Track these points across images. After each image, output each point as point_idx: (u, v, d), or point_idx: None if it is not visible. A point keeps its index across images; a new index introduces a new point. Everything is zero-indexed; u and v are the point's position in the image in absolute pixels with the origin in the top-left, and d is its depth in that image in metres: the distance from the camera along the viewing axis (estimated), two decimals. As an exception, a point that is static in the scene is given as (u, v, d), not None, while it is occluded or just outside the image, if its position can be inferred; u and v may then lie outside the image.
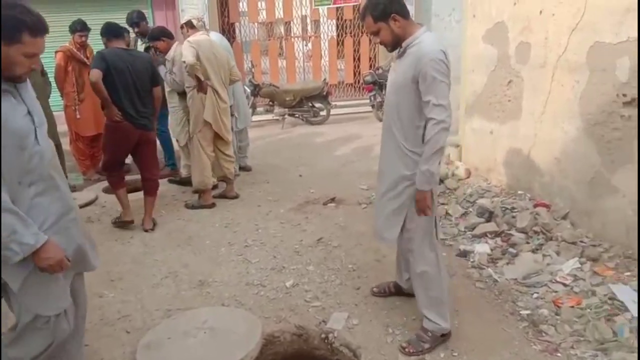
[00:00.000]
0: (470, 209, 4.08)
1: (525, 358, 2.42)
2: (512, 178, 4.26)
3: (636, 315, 2.50)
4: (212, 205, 4.80)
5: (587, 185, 3.39)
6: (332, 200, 4.83)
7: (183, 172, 5.55)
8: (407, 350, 2.50)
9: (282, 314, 2.91)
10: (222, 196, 5.01)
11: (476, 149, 4.79)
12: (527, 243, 3.44)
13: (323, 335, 2.76)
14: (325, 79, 9.16)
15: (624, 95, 3.00)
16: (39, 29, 1.69)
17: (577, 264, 3.09)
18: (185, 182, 5.43)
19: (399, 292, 2.99)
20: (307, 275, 3.36)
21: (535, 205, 3.81)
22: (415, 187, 2.38)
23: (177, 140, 5.25)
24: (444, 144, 2.29)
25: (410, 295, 2.96)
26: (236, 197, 5.05)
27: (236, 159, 5.85)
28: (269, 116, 9.11)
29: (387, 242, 2.68)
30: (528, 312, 2.75)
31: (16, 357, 1.87)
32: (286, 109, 8.80)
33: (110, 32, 4.11)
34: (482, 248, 3.50)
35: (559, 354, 2.41)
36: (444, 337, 2.55)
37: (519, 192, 4.09)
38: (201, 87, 4.47)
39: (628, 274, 2.92)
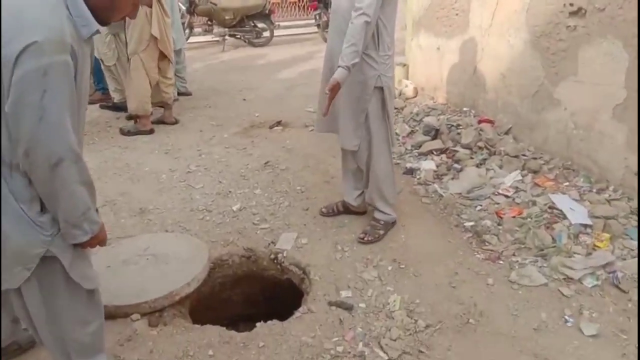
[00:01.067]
0: (417, 128, 4.06)
1: (469, 266, 2.49)
2: (457, 96, 4.24)
3: (575, 221, 2.61)
4: (151, 131, 4.52)
5: (530, 99, 3.41)
6: (278, 123, 4.67)
7: (115, 97, 5.14)
8: (365, 239, 2.70)
9: (230, 238, 2.84)
10: (160, 122, 4.72)
11: (423, 67, 4.70)
12: (472, 158, 3.48)
13: (272, 256, 2.72)
14: (267, -4, 8.62)
15: (571, 4, 2.95)
16: None
17: (518, 177, 3.17)
18: (119, 107, 5.06)
19: (347, 210, 2.97)
20: (255, 199, 3.27)
21: (480, 122, 3.83)
22: (371, 91, 2.43)
23: (101, 60, 4.78)
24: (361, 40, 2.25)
25: (358, 213, 2.97)
26: (176, 122, 4.78)
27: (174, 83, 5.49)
28: (208, 37, 8.57)
29: (351, 148, 2.66)
30: (472, 223, 2.82)
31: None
32: (226, 29, 8.28)
33: None
34: (428, 165, 3.52)
35: (501, 262, 2.50)
36: (394, 224, 2.81)
37: (464, 109, 4.10)
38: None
39: (567, 184, 3.03)
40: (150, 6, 4.08)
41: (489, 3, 3.68)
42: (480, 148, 3.55)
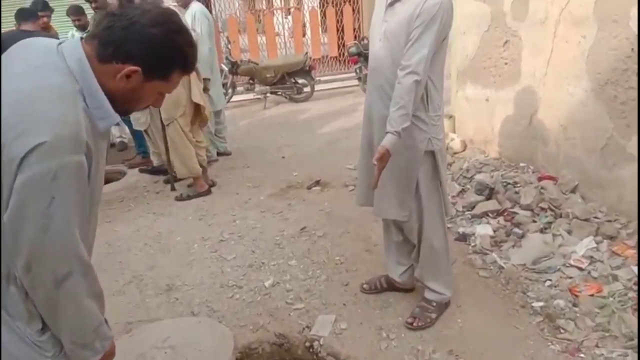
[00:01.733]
0: (468, 186, 3.69)
1: (542, 361, 2.07)
2: (512, 149, 3.87)
3: (669, 303, 2.15)
4: (208, 192, 4.41)
5: (598, 153, 3.01)
6: (317, 183, 4.43)
7: (154, 160, 5.10)
8: (415, 324, 2.36)
9: (260, 321, 2.54)
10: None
11: (471, 119, 4.38)
12: (534, 222, 3.06)
13: (307, 344, 2.40)
14: (307, 53, 8.65)
15: (641, 48, 2.60)
16: (192, 64, 1.20)
17: (592, 244, 2.73)
18: (157, 170, 5.00)
19: (392, 287, 2.62)
20: (289, 272, 2.98)
21: (540, 179, 3.42)
22: (421, 156, 2.16)
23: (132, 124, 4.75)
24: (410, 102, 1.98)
25: (404, 290, 2.61)
26: (212, 185, 4.63)
27: (212, 143, 5.42)
28: (250, 95, 8.63)
29: (399, 219, 2.34)
30: (541, 304, 2.39)
31: None
32: (267, 87, 8.31)
33: (19, 15, 3.73)
34: (483, 230, 3.13)
35: (582, 355, 2.06)
36: (447, 305, 2.46)
37: (521, 164, 3.71)
38: None
39: (651, 252, 2.56)
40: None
41: (542, 50, 3.37)
42: (543, 209, 3.14)
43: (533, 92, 3.53)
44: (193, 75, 4.08)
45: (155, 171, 5.05)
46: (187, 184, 4.50)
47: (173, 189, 4.54)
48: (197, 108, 4.22)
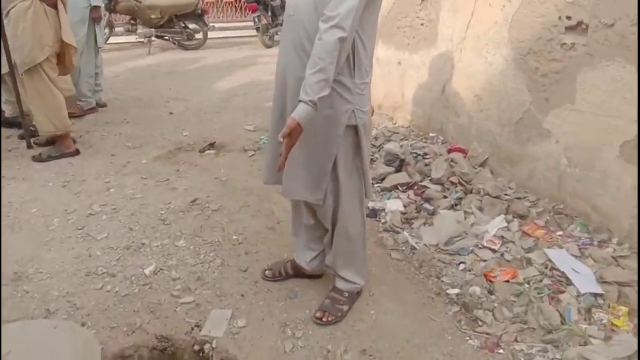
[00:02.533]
0: (377, 155, 3.44)
1: (461, 358, 1.88)
2: (422, 118, 3.68)
3: (583, 290, 2.08)
4: (76, 152, 3.68)
5: (512, 127, 2.89)
6: (211, 146, 3.91)
7: (7, 110, 4.15)
8: (324, 319, 2.04)
9: (138, 320, 2.06)
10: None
11: (381, 83, 4.11)
12: (445, 197, 2.90)
13: (197, 347, 1.98)
14: (200, -6, 7.75)
15: (568, 18, 2.44)
16: None
17: (503, 223, 2.62)
18: (11, 123, 4.09)
19: (298, 273, 2.28)
20: (176, 255, 2.50)
21: (450, 151, 3.28)
22: (342, 131, 1.78)
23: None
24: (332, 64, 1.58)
25: (313, 276, 2.29)
26: (76, 153, 3.86)
27: (91, 90, 4.58)
28: (132, 38, 7.57)
29: (311, 201, 1.95)
30: (457, 291, 2.22)
31: None
32: (152, 30, 7.34)
33: None
34: (394, 205, 2.90)
35: (501, 351, 1.91)
36: (359, 294, 2.19)
37: (431, 134, 3.53)
38: None
39: (560, 233, 2.51)
40: (55, 7, 3.19)
41: (462, 12, 3.13)
42: (453, 184, 2.98)
43: (449, 57, 3.32)
44: (61, 7, 3.25)
45: (9, 123, 4.12)
46: (47, 140, 3.69)
47: (30, 146, 3.73)
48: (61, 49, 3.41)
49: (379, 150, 3.51)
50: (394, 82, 3.90)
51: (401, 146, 3.44)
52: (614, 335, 1.91)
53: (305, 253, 2.22)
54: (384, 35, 3.97)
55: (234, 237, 2.66)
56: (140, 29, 7.34)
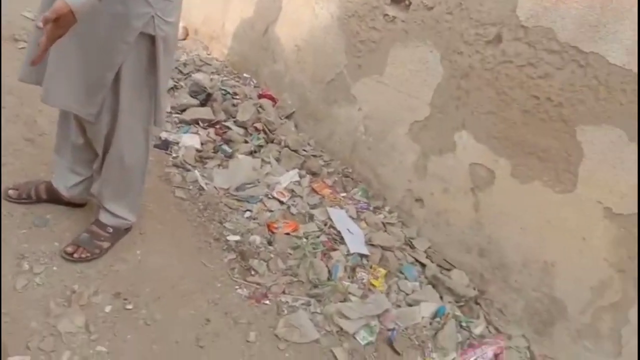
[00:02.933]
0: (182, 84, 3.11)
1: (226, 309, 1.79)
2: (239, 55, 3.45)
3: (353, 250, 2.20)
4: None
5: (324, 86, 2.89)
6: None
7: None
8: (76, 255, 1.73)
9: None
10: None
11: (202, 6, 3.71)
12: (246, 142, 2.77)
13: None
14: None
15: (395, -11, 2.48)
16: None
17: (296, 177, 2.63)
18: None
19: (54, 199, 1.89)
20: None
21: (260, 96, 3.15)
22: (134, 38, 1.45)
23: None
24: None
25: (72, 205, 1.93)
26: None
27: None
28: None
29: (81, 115, 1.56)
30: (237, 238, 2.13)
31: None
32: None
33: None
34: (190, 140, 2.65)
35: (267, 302, 1.89)
36: (127, 230, 1.91)
37: (245, 74, 3.34)
38: None
39: (344, 194, 2.63)
40: None
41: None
42: (257, 130, 2.87)
43: (278, -2, 3.14)
44: None
45: None
46: None
47: None
48: None
49: (186, 79, 3.18)
50: (216, 9, 3.56)
51: (211, 80, 3.17)
52: (370, 295, 2.06)
53: (67, 176, 1.84)
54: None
55: (-24, 143, 2.08)
56: None
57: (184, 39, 3.74)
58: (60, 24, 1.20)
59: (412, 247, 2.38)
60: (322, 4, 2.86)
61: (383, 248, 2.30)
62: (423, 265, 2.28)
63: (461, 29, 2.20)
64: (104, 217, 1.82)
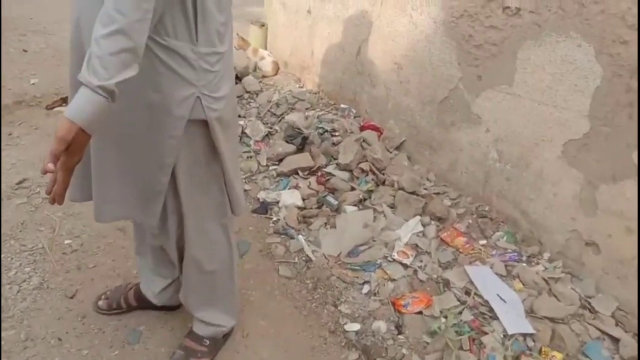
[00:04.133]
0: (277, 127, 2.80)
1: None
2: (333, 83, 3.06)
3: (511, 330, 1.66)
4: None
5: (436, 107, 2.37)
6: (63, 101, 3.03)
7: None
8: None
9: None
10: None
11: (287, 35, 3.40)
12: (353, 189, 2.36)
13: None
14: None
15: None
16: None
17: (419, 226, 2.15)
18: None
19: (145, 305, 1.65)
20: (-28, 272, 1.75)
21: (363, 128, 2.72)
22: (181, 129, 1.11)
23: None
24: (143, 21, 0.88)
25: (167, 308, 1.68)
26: None
27: None
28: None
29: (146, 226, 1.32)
30: (357, 327, 1.72)
31: None
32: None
33: None
34: (291, 197, 2.32)
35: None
36: (228, 336, 1.61)
37: (342, 105, 2.94)
38: None
39: (484, 242, 2.08)
40: None
41: (386, -46, 2.49)
42: (364, 172, 2.45)
43: (366, 11, 2.69)
44: None
45: None
46: None
47: None
48: None
49: (280, 121, 2.87)
50: (302, 36, 3.21)
51: (306, 118, 2.82)
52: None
53: (153, 280, 1.58)
54: (293, -24, 3.24)
55: (67, 241, 1.95)
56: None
57: (275, 75, 3.47)
58: (73, 151, 0.89)
59: (593, 311, 1.77)
60: (420, 9, 2.35)
61: (552, 320, 1.72)
62: (615, 340, 1.66)
63: (621, 9, 1.56)
64: (198, 328, 1.53)
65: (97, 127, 0.90)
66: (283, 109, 2.95)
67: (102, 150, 1.11)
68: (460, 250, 2.04)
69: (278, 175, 2.50)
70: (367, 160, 2.48)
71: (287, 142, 2.65)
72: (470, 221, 2.19)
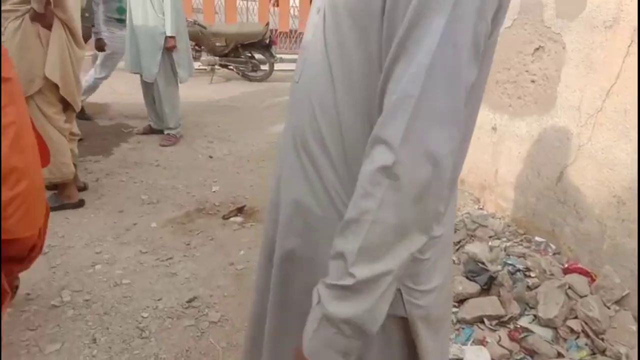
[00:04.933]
0: (456, 260, 2.45)
1: None
2: (524, 210, 2.64)
3: None
4: (79, 204, 3.04)
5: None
6: (239, 210, 3.11)
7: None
8: None
9: None
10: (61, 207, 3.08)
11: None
12: (560, 356, 1.86)
13: None
14: (268, 24, 7.15)
15: None
16: None
17: None
18: None
19: None
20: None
21: (567, 271, 2.23)
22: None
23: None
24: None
25: None
26: (84, 189, 3.24)
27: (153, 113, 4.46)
28: (195, 65, 7.12)
29: None
30: None
31: None
32: (217, 58, 6.85)
33: None
34: (478, 358, 1.89)
35: None
36: None
37: (537, 238, 2.49)
38: (42, 15, 2.50)
39: None
40: (49, 28, 2.57)
41: (601, 72, 2.13)
42: (573, 332, 1.93)
43: (572, 133, 2.30)
44: (59, 36, 2.60)
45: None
46: (48, 185, 3.06)
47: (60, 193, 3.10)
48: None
49: (457, 251, 2.52)
50: (484, 153, 2.91)
51: (491, 250, 2.43)
52: None
53: None
54: (477, 91, 3.01)
55: (230, 375, 1.79)
56: (204, 57, 6.89)
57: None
58: None
59: None
60: (656, 136, 1.90)
61: None
62: None
63: None
64: None
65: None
66: (461, 236, 2.61)
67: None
68: None
69: (458, 321, 2.12)
70: (577, 317, 1.97)
71: (468, 278, 2.27)
72: None
